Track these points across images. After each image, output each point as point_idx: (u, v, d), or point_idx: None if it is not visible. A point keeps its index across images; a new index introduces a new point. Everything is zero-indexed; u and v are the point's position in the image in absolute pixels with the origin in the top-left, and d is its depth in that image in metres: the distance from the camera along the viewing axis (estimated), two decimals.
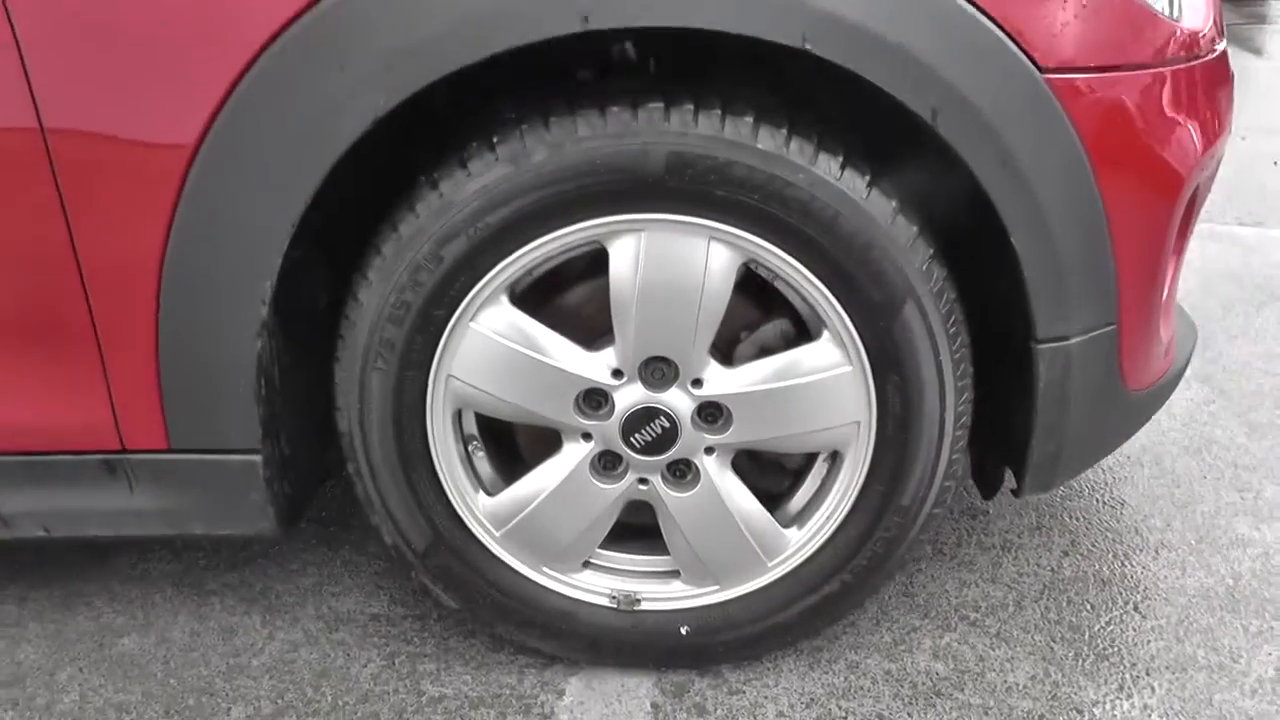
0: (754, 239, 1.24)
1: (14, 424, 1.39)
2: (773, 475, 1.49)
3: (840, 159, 1.22)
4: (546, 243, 1.25)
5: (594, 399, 1.34)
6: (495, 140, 1.22)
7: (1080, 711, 1.45)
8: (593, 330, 1.36)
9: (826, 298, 1.28)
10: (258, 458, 1.38)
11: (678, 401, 1.34)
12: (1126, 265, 1.32)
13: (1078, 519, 1.88)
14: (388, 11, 1.13)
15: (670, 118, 1.19)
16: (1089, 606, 1.66)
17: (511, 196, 1.22)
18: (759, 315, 1.38)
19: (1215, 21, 1.45)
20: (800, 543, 1.44)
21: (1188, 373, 2.36)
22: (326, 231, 1.40)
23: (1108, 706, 1.46)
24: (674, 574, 1.50)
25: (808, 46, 1.13)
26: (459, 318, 1.29)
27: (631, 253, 1.26)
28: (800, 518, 1.46)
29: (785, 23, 1.12)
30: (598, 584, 1.50)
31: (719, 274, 1.27)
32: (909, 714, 1.46)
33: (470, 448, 1.44)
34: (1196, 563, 1.75)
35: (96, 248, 1.27)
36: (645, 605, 1.50)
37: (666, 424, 1.35)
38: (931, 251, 1.27)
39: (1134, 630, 1.60)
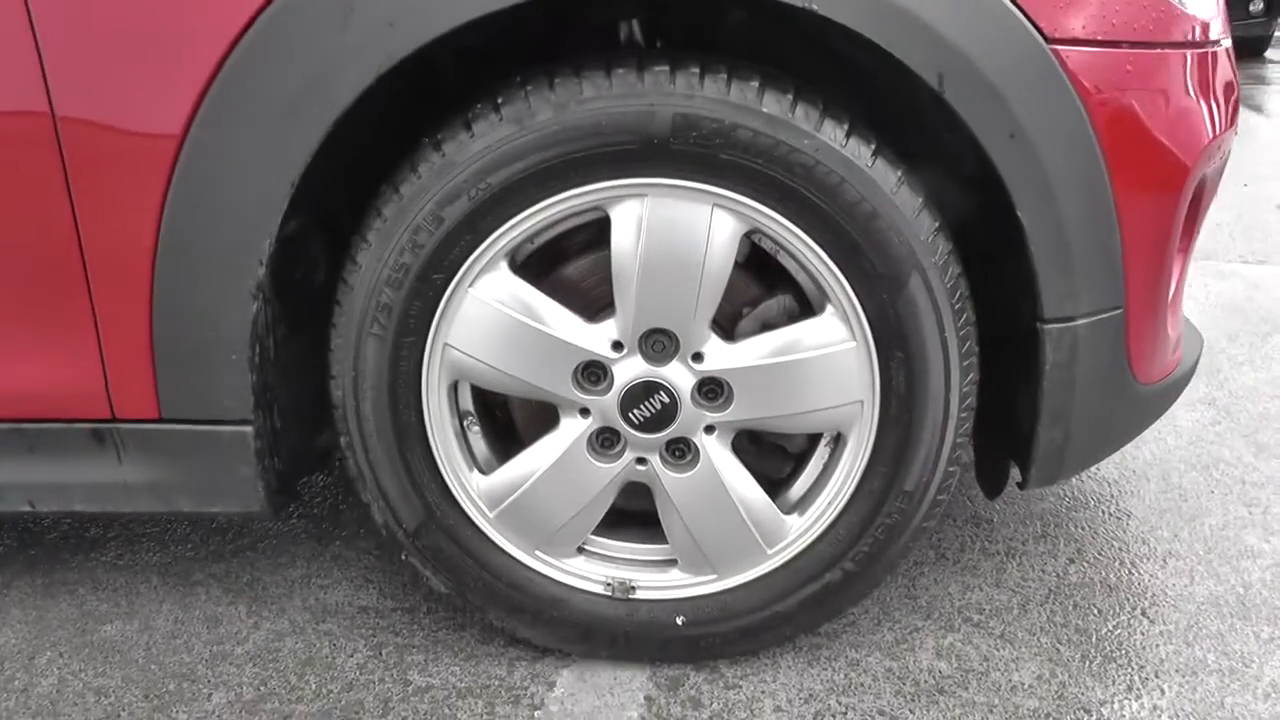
0: (758, 206, 1.23)
1: (4, 390, 1.37)
2: (774, 459, 1.46)
3: (845, 126, 1.21)
4: (549, 206, 1.24)
5: (593, 373, 1.32)
6: (500, 101, 1.21)
7: (1088, 711, 1.41)
8: (593, 304, 1.35)
9: (830, 268, 1.26)
10: (249, 429, 1.36)
11: (678, 376, 1.32)
12: (1133, 247, 1.30)
13: (1083, 528, 1.85)
14: None
15: (676, 80, 1.19)
16: (1096, 611, 1.62)
17: (515, 157, 1.21)
18: (762, 292, 1.36)
19: (1222, 18, 1.45)
20: (801, 529, 1.41)
21: (1194, 395, 2.35)
22: (329, 215, 1.40)
23: (1116, 706, 1.41)
24: (671, 562, 1.47)
25: (814, 7, 1.13)
26: (458, 283, 1.27)
27: (634, 218, 1.24)
28: (801, 504, 1.43)
29: None
30: (592, 571, 1.47)
31: (722, 243, 1.25)
32: (911, 711, 1.41)
33: (465, 424, 1.42)
34: (1205, 572, 1.71)
35: (92, 207, 1.26)
36: (641, 594, 1.46)
37: (666, 399, 1.32)
38: (937, 224, 1.25)
39: (1142, 634, 1.56)
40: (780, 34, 1.42)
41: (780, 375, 1.31)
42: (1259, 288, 3.17)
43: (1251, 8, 8.97)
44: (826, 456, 1.43)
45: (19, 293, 1.31)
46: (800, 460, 1.45)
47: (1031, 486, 1.44)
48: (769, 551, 1.42)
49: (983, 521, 1.87)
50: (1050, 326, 1.30)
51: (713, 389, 1.33)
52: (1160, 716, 1.40)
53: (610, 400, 1.33)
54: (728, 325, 1.36)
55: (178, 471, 1.40)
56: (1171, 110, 1.30)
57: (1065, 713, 1.41)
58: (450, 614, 1.62)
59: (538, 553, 1.44)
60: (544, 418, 1.41)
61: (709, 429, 1.36)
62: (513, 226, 1.25)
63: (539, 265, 1.35)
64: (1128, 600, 1.64)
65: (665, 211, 1.24)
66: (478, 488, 1.41)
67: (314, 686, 1.48)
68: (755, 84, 1.19)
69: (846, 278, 1.26)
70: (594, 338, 1.31)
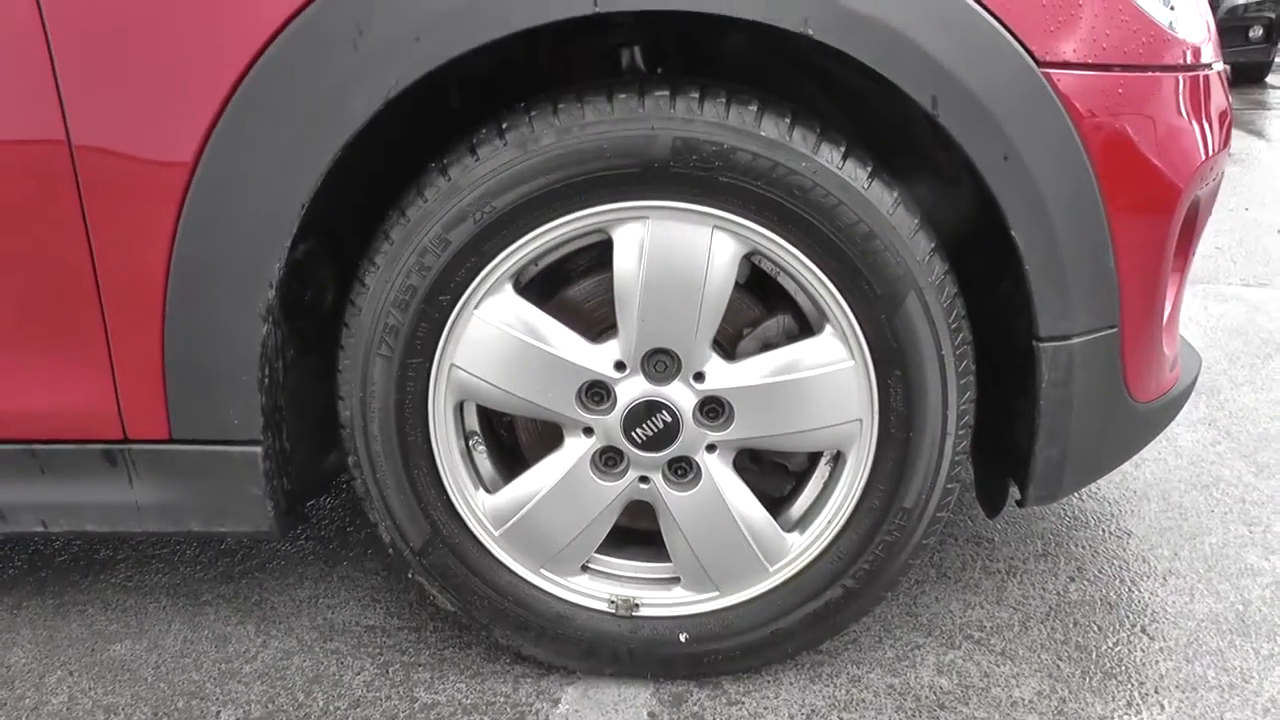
0: (757, 228, 1.26)
1: (18, 410, 1.40)
2: (775, 478, 1.48)
3: (842, 149, 1.24)
4: (552, 229, 1.27)
5: (596, 393, 1.34)
6: (504, 126, 1.24)
7: None
8: (596, 325, 1.37)
9: (829, 289, 1.28)
10: (258, 449, 1.38)
11: (679, 396, 1.34)
12: (1127, 266, 1.32)
13: (1083, 547, 1.86)
14: None
15: (676, 104, 1.21)
16: (1096, 628, 1.63)
17: (519, 181, 1.24)
18: (762, 313, 1.39)
19: (1212, 41, 1.48)
20: (802, 547, 1.43)
21: (1195, 416, 2.36)
22: (339, 240, 1.43)
23: None
24: (674, 580, 1.49)
25: (809, 31, 1.16)
26: (464, 305, 1.30)
27: (636, 241, 1.27)
28: (802, 522, 1.45)
29: (786, 5, 1.15)
30: (596, 589, 1.48)
31: (722, 264, 1.28)
32: None
33: (471, 443, 1.44)
34: (1205, 589, 1.72)
35: (107, 233, 1.28)
36: (644, 611, 1.48)
37: (668, 419, 1.34)
38: (933, 245, 1.28)
39: (1142, 651, 1.57)
40: (778, 59, 1.45)
41: (780, 394, 1.34)
42: (1260, 310, 3.19)
43: (1251, 34, 9.02)
44: (827, 474, 1.44)
45: (33, 315, 1.34)
46: (801, 478, 1.47)
47: (1031, 504, 1.45)
48: (771, 569, 1.44)
49: (984, 540, 1.88)
50: (1046, 345, 1.32)
51: (714, 408, 1.35)
52: None
53: (613, 420, 1.35)
54: (729, 345, 1.38)
55: (188, 492, 1.42)
56: (1163, 133, 1.32)
57: None
58: (456, 632, 1.64)
59: (542, 570, 1.46)
60: (548, 437, 1.43)
61: (711, 448, 1.38)
62: (517, 249, 1.28)
63: (543, 287, 1.37)
64: (1128, 617, 1.65)
65: (666, 234, 1.26)
66: (483, 506, 1.43)
67: (322, 704, 1.49)
68: (754, 108, 1.22)
69: (845, 298, 1.29)
70: (597, 358, 1.33)
